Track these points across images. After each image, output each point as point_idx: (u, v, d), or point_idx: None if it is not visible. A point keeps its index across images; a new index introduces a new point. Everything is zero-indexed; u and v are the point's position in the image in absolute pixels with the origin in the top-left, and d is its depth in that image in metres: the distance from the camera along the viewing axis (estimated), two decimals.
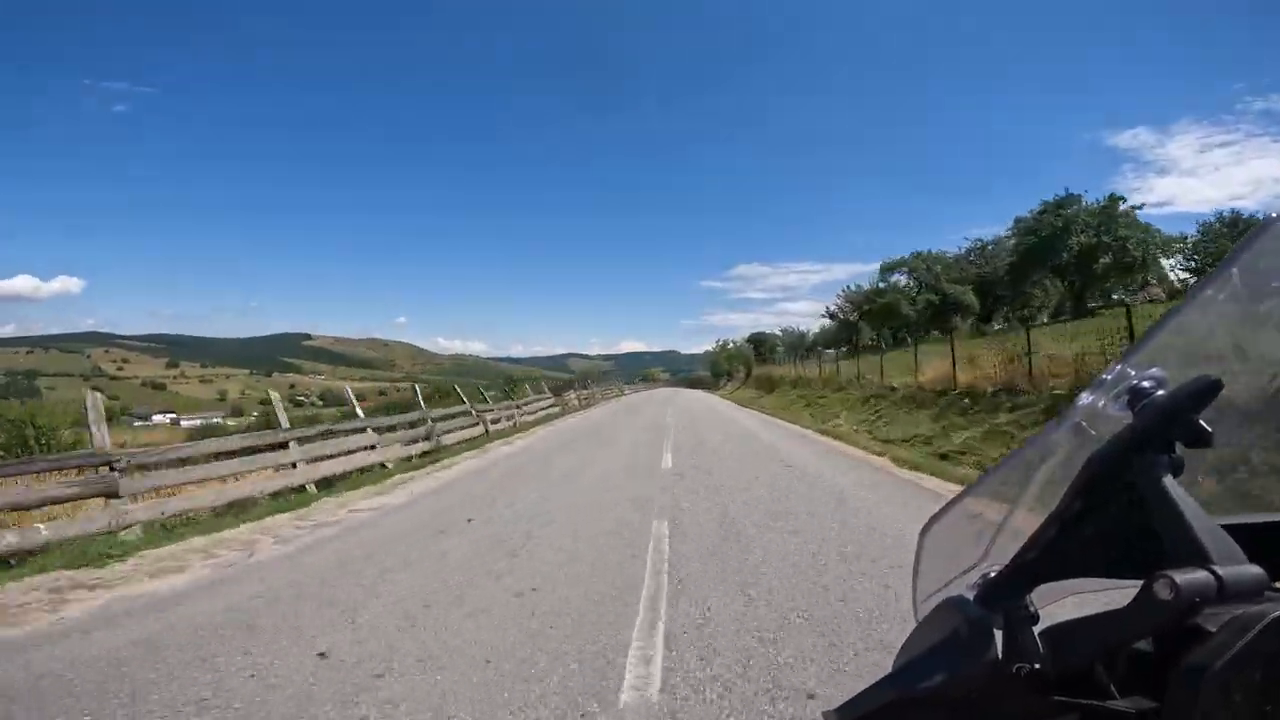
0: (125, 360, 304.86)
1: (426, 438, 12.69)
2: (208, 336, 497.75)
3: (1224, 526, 0.45)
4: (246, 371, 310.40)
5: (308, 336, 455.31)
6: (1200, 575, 0.41)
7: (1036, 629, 0.49)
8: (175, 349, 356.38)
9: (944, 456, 9.83)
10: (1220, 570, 0.41)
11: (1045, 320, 35.03)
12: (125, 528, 6.06)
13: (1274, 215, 0.46)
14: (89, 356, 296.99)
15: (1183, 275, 33.85)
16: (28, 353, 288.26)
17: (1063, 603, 0.55)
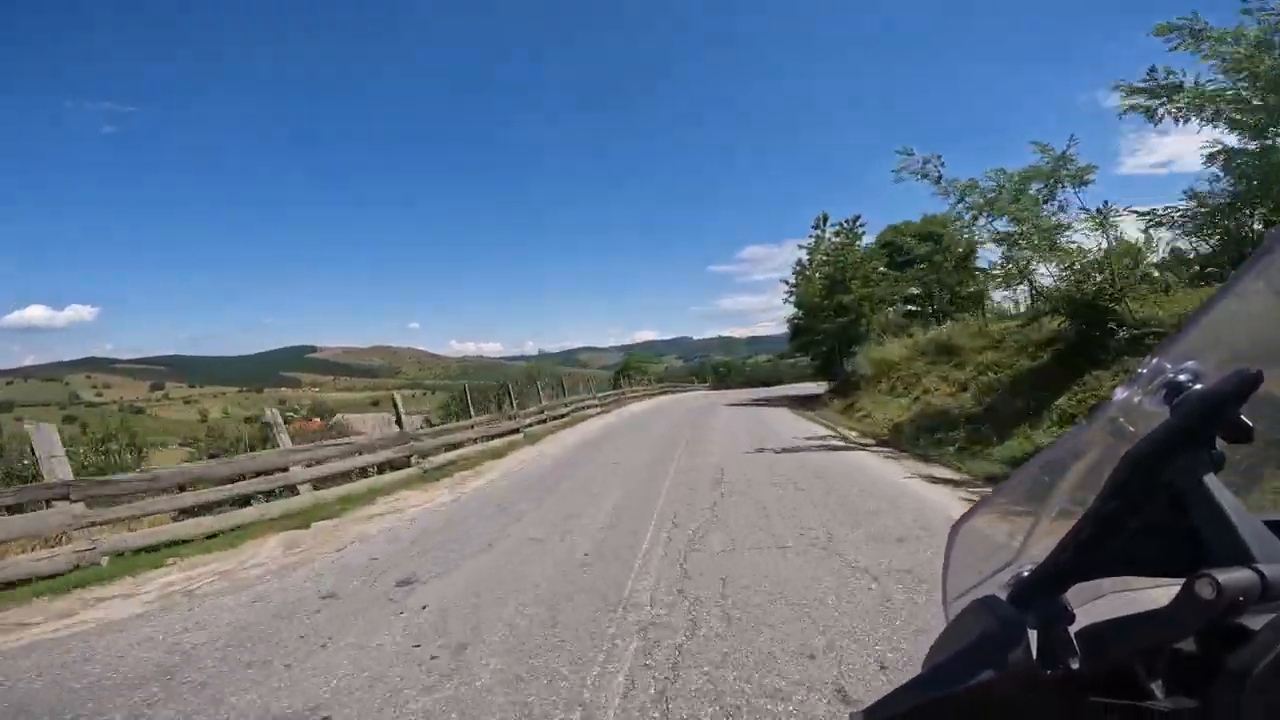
0: (107, 385, 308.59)
1: None
2: (212, 356, 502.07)
3: (1268, 524, 0.46)
4: (236, 389, 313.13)
5: (313, 349, 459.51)
6: (1244, 574, 0.41)
7: (1072, 629, 0.50)
8: (179, 370, 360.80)
9: None
10: (1264, 569, 0.41)
11: None
12: None
13: None
14: (67, 384, 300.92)
15: None
16: (8, 384, 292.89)
17: (1099, 603, 0.56)
